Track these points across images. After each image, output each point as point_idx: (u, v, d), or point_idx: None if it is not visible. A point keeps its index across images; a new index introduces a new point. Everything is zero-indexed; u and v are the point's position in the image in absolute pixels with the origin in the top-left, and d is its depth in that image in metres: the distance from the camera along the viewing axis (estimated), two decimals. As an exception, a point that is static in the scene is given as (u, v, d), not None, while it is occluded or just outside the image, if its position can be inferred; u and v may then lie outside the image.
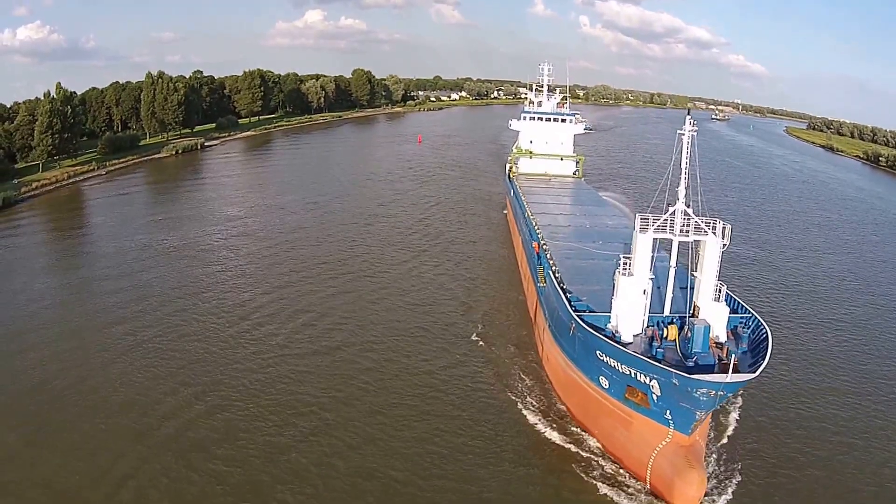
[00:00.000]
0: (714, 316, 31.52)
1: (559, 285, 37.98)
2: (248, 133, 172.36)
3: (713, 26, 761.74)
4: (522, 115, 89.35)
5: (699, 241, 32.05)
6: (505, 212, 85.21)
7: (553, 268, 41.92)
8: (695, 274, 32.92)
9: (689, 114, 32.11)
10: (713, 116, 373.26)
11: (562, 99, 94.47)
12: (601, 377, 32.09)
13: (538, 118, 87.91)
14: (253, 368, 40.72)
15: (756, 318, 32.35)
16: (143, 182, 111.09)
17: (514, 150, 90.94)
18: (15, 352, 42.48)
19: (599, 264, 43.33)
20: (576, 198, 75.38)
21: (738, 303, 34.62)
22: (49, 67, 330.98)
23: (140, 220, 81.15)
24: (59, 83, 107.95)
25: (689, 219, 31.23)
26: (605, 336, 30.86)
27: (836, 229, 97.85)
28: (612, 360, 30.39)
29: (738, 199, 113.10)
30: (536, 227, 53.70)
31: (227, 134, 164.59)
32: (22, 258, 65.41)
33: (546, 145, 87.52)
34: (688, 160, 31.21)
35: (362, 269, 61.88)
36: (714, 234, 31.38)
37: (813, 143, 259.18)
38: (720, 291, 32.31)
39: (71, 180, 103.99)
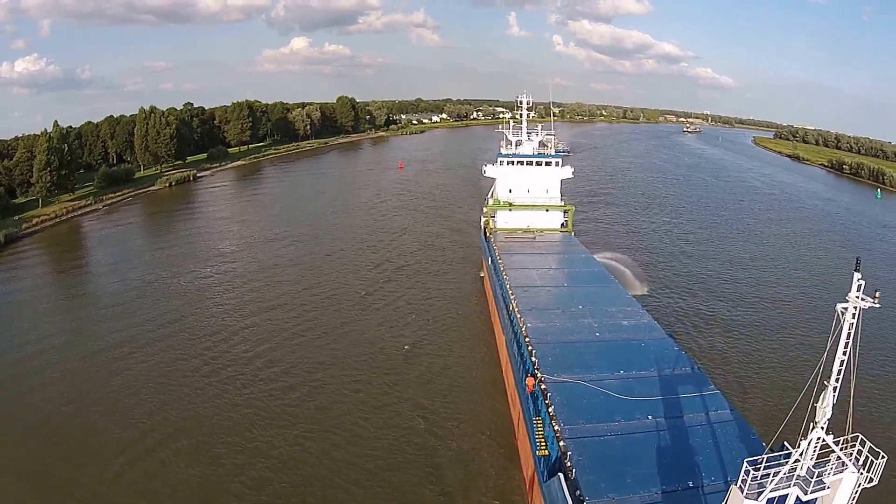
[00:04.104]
0: None
1: (577, 498, 24.12)
2: (239, 163, 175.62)
3: (681, 41, 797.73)
4: (499, 159, 74.42)
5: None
6: (482, 275, 69.97)
7: (560, 441, 27.68)
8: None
9: (857, 267, 17.61)
10: (685, 129, 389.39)
11: (544, 137, 78.88)
12: None
13: (518, 162, 73.59)
14: (255, 415, 41.60)
15: None
16: (140, 215, 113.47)
17: (490, 201, 74.96)
18: (20, 400, 43.84)
19: (630, 430, 29.17)
20: (570, 271, 58.19)
21: None
22: (46, 98, 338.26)
23: (138, 256, 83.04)
24: (56, 122, 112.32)
25: (827, 450, 19.37)
26: None
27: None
28: None
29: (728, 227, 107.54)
30: (528, 344, 38.12)
31: (218, 164, 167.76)
32: (28, 296, 66.96)
33: (528, 194, 73.19)
34: (847, 352, 17.99)
35: (344, 314, 60.52)
36: (854, 466, 19.49)
37: (780, 153, 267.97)
38: None
39: (70, 215, 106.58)
